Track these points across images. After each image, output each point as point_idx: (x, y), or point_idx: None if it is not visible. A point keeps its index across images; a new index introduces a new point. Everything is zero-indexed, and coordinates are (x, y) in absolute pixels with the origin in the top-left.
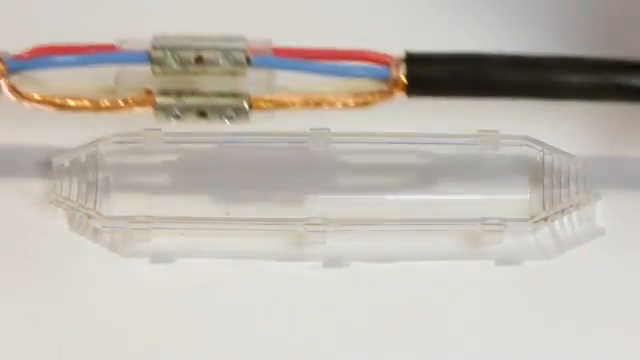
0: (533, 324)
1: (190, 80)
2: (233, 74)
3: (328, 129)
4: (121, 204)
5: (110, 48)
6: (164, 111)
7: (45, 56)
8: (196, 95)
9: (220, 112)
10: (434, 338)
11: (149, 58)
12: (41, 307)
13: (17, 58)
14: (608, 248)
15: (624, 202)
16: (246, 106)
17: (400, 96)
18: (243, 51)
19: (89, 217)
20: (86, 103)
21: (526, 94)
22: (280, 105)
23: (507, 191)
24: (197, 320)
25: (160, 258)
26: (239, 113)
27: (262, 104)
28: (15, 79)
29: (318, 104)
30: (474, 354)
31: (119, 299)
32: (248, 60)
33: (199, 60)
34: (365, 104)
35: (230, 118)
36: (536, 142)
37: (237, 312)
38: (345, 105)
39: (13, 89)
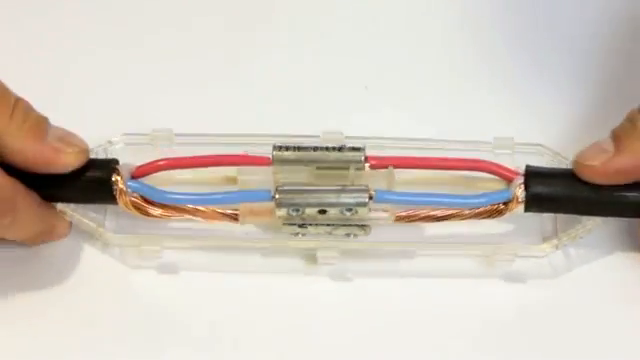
0: (543, 343)
1: (315, 217)
2: (356, 212)
3: (341, 132)
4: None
5: (234, 160)
6: (289, 232)
7: (165, 192)
8: (320, 225)
9: (345, 235)
10: (444, 355)
11: (272, 199)
12: (47, 316)
13: (137, 178)
14: (617, 269)
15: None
16: (370, 228)
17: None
18: (366, 191)
19: (99, 229)
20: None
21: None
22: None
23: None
24: (204, 332)
25: (168, 270)
26: (362, 233)
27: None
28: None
29: (453, 218)
30: None
31: (126, 309)
32: (371, 197)
33: (322, 212)
34: (491, 217)
35: (355, 236)
36: (549, 150)
37: (244, 326)
38: (476, 217)
39: (135, 207)
